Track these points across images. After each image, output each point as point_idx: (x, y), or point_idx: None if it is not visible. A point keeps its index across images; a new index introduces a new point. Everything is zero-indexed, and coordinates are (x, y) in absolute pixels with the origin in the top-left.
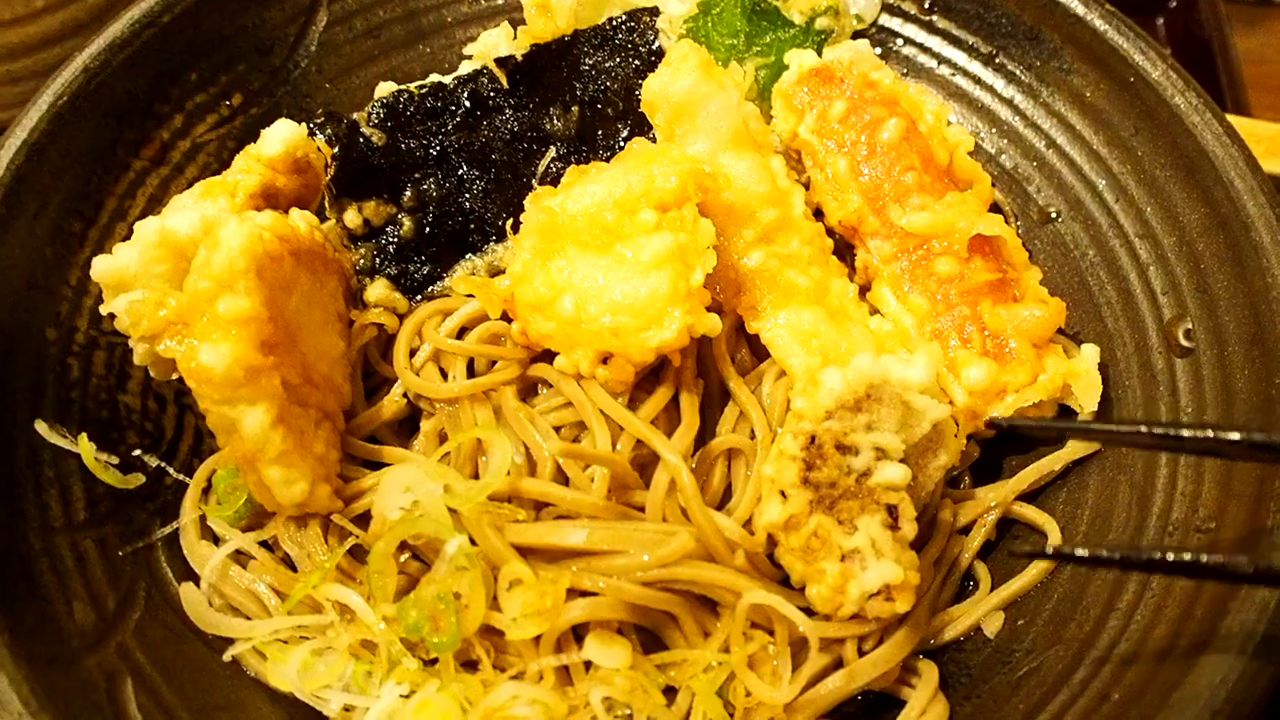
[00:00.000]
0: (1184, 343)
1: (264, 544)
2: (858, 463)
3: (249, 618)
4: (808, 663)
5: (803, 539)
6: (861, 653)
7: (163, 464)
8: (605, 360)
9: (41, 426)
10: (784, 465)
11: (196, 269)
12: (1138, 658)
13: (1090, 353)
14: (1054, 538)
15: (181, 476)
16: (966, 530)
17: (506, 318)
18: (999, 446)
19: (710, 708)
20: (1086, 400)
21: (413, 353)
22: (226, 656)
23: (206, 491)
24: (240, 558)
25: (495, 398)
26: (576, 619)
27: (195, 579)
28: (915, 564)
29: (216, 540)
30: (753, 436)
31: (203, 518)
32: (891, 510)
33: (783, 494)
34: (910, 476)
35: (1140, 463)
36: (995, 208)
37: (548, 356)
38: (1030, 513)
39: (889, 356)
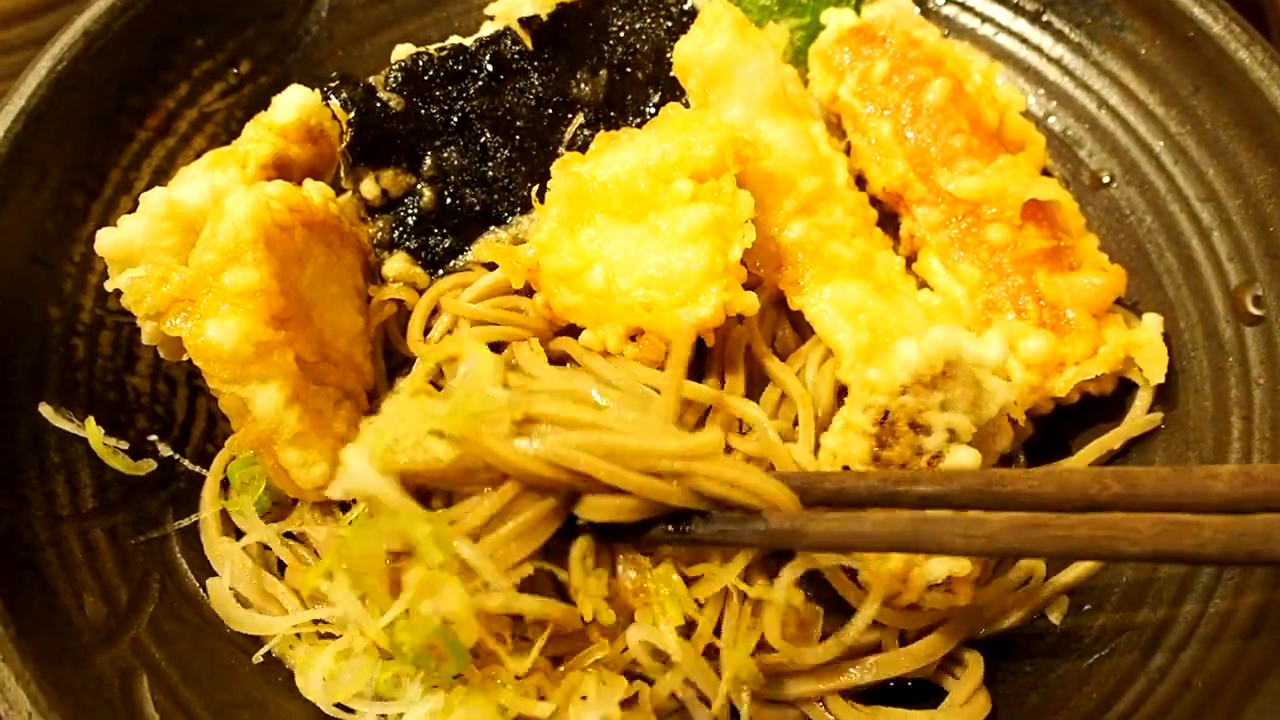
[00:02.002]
0: (1253, 310)
1: (290, 535)
2: (930, 443)
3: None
4: (847, 632)
5: None
6: (904, 641)
7: (176, 454)
8: (634, 337)
9: (46, 410)
10: (852, 440)
11: (202, 242)
12: (1219, 642)
13: (1153, 322)
14: None
15: (197, 469)
16: None
17: (528, 292)
18: (1056, 422)
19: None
20: (1152, 372)
21: (429, 329)
22: (257, 658)
23: (227, 485)
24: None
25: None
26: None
27: (208, 569)
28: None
29: (239, 534)
30: (795, 424)
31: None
32: None
33: (847, 470)
34: (980, 461)
35: (1210, 437)
36: (1045, 173)
37: (570, 333)
38: None
39: (962, 331)
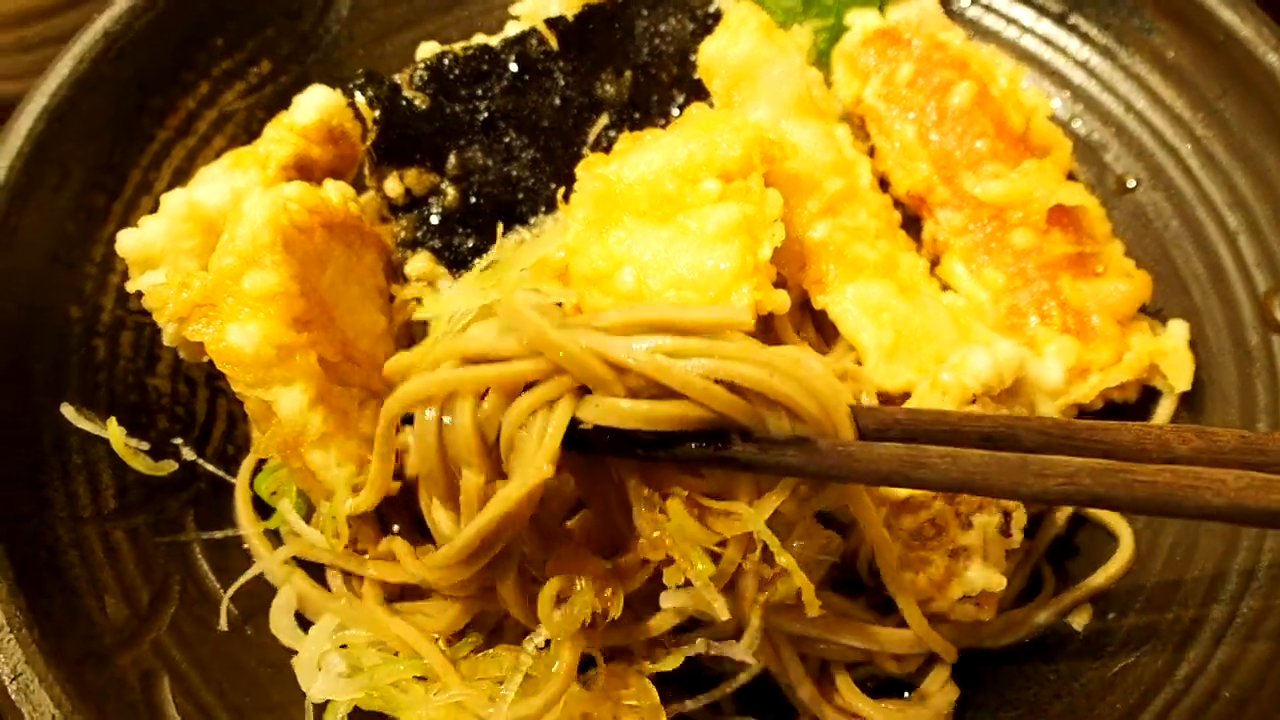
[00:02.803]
0: None
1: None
2: None
3: None
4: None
5: (917, 522)
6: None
7: (197, 457)
8: None
9: (68, 410)
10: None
11: (221, 246)
12: (1249, 652)
13: (1179, 329)
14: (1124, 542)
15: (220, 472)
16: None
17: None
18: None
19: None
20: (1178, 379)
21: None
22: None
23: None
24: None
25: None
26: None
27: (228, 570)
28: (1003, 571)
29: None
30: None
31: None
32: (1007, 515)
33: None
34: None
35: None
36: (1070, 178)
37: None
38: (1107, 515)
39: (1026, 350)
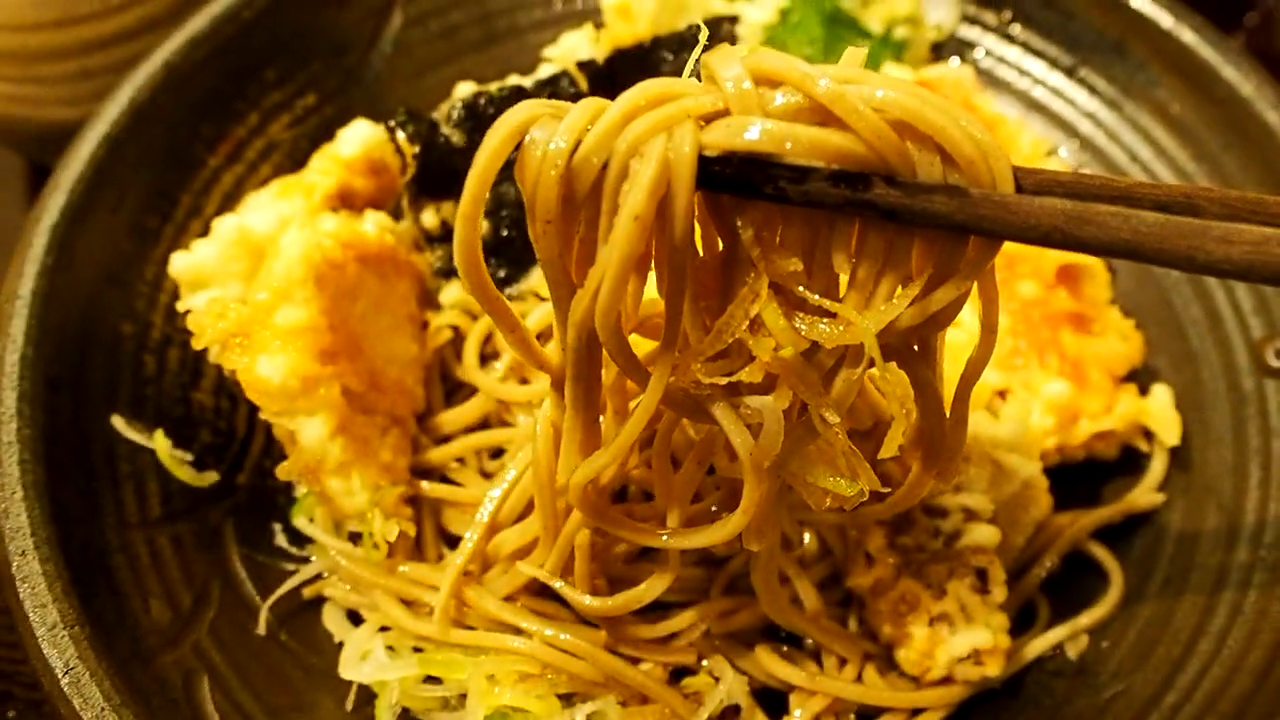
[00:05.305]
0: (1274, 363)
1: None
2: (946, 525)
3: None
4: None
5: (890, 603)
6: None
7: (237, 469)
8: None
9: (118, 421)
10: (869, 528)
11: (259, 280)
12: (1231, 684)
13: (1163, 393)
14: (1114, 586)
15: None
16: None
17: None
18: (1076, 472)
19: None
20: (1166, 435)
21: (485, 358)
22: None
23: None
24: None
25: None
26: None
27: (264, 579)
28: (1005, 626)
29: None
30: None
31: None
32: (981, 574)
33: (869, 557)
34: (1000, 537)
35: (1229, 485)
36: None
37: None
38: (1100, 553)
39: (977, 413)
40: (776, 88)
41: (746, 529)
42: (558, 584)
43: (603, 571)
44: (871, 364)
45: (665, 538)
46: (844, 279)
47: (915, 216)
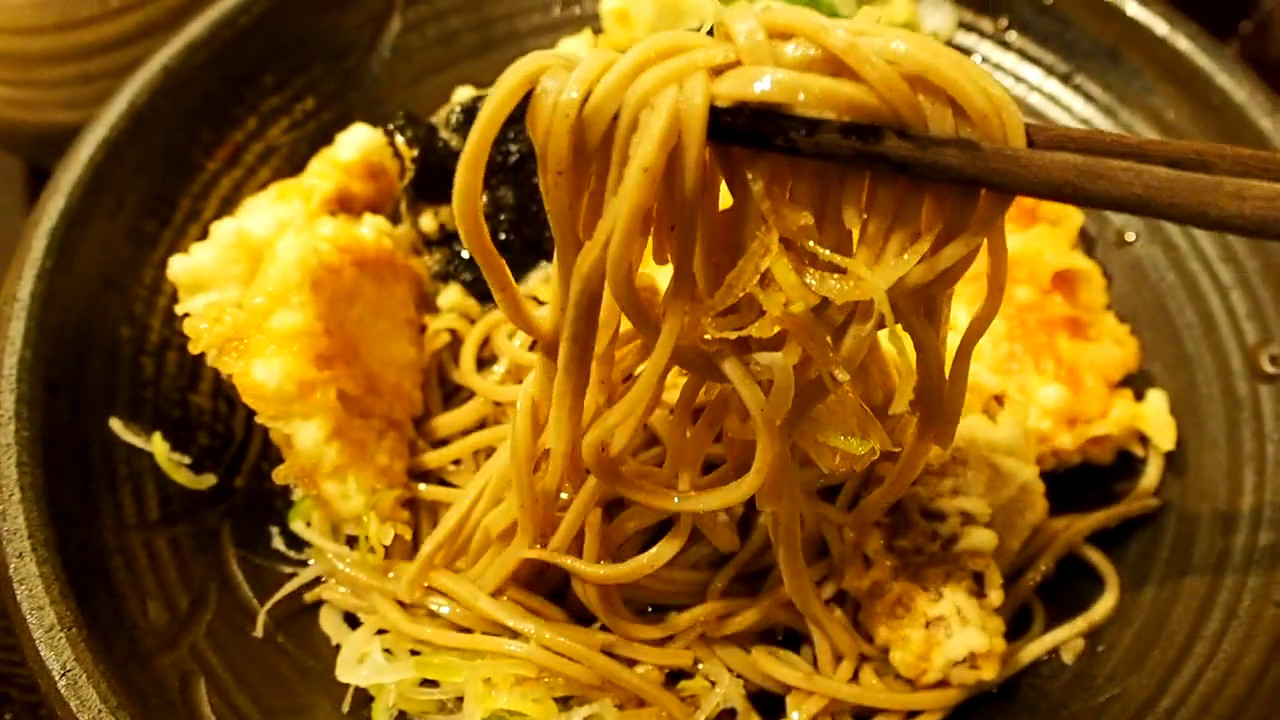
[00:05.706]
0: (1268, 369)
1: None
2: (944, 528)
3: None
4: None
5: (887, 605)
6: None
7: (233, 471)
8: None
9: (116, 424)
10: (863, 530)
11: (255, 285)
12: (1226, 687)
13: (1158, 398)
14: (1109, 590)
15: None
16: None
17: None
18: (1071, 477)
19: None
20: (1161, 439)
21: (483, 362)
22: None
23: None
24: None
25: None
26: None
27: (262, 581)
28: (1001, 629)
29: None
30: None
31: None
32: (978, 577)
33: (866, 559)
34: (997, 541)
35: (1223, 489)
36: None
37: None
38: (1095, 557)
39: (974, 417)
40: (789, 40)
41: (760, 489)
42: (568, 561)
43: (608, 554)
44: (881, 323)
45: (678, 500)
46: (855, 235)
47: (927, 170)
